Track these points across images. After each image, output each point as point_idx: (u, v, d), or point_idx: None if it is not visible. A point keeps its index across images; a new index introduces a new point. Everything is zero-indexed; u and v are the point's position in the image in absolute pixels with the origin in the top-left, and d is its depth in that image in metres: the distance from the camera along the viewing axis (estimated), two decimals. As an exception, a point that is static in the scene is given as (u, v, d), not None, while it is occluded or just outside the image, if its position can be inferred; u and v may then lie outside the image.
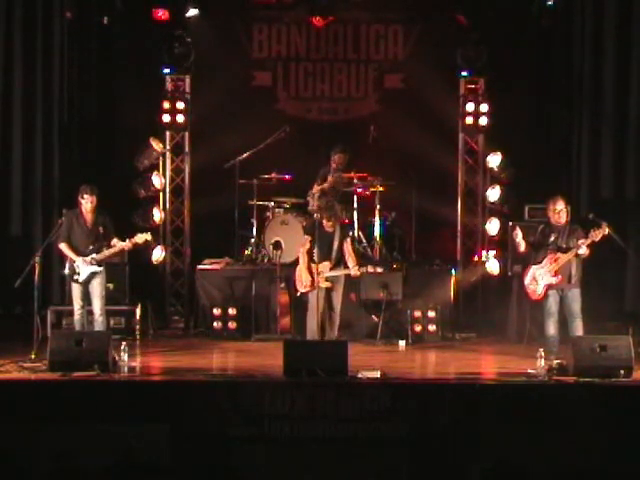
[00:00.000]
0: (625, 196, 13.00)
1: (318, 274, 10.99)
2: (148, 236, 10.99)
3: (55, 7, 13.01)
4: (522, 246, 10.68)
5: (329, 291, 11.13)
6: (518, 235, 10.66)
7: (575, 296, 10.50)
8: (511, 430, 8.89)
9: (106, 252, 10.81)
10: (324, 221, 11.10)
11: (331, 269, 11.09)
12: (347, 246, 11.23)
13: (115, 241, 10.82)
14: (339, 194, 13.01)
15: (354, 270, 11.10)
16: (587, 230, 10.49)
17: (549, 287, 10.51)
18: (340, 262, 11.17)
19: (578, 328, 10.40)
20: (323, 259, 11.09)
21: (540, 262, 10.55)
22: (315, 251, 11.11)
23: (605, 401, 9.06)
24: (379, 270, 11.50)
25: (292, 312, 12.06)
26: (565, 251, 10.45)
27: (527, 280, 10.74)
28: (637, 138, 12.96)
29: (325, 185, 12.96)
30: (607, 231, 10.27)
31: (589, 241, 10.34)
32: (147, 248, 12.19)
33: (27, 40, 12.92)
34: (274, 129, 13.08)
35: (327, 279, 11.07)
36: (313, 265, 11.04)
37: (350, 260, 11.18)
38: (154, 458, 8.77)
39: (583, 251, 10.41)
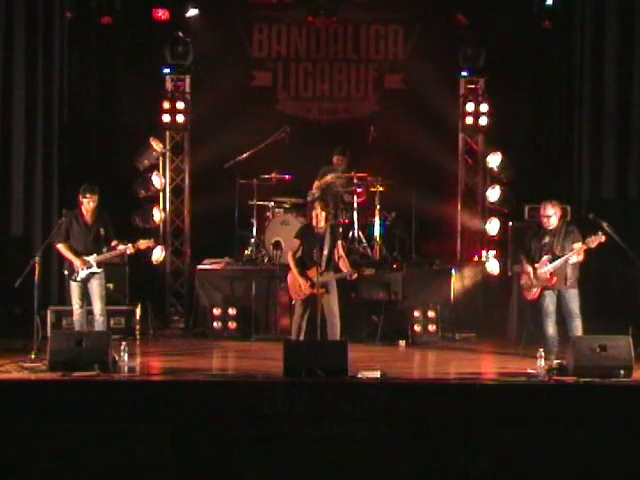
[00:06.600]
0: (627, 196, 13.01)
1: (312, 282, 10.71)
2: (151, 242, 11.05)
3: (55, 7, 13.02)
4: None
5: (323, 296, 10.77)
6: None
7: (572, 296, 10.50)
8: (511, 430, 8.89)
9: (107, 254, 10.79)
10: (315, 222, 10.86)
11: (322, 273, 10.74)
12: (339, 249, 10.97)
13: (116, 243, 10.80)
14: (338, 195, 13.02)
15: (351, 274, 10.86)
16: (584, 232, 10.50)
17: (545, 288, 10.53)
18: (331, 265, 10.91)
19: (577, 328, 10.41)
20: (313, 263, 10.75)
21: (536, 263, 10.56)
22: (305, 255, 10.95)
23: (605, 401, 9.07)
24: (373, 271, 11.43)
25: (292, 312, 12.03)
26: (560, 254, 10.45)
27: (523, 280, 10.76)
28: (638, 138, 12.97)
29: (324, 180, 12.93)
30: (604, 239, 10.25)
31: (584, 247, 10.34)
32: (147, 250, 12.17)
33: (27, 40, 12.92)
34: (274, 129, 13.09)
35: (322, 285, 10.70)
36: (307, 272, 10.82)
37: (342, 263, 10.93)
38: (154, 458, 8.76)
39: (575, 260, 10.40)
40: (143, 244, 10.87)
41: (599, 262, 11.15)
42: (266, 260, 12.85)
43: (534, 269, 10.54)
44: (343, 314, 11.01)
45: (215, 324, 12.35)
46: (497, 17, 13.35)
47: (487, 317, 12.85)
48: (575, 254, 10.36)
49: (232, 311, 12.34)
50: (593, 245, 10.29)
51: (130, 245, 10.79)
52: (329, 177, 12.99)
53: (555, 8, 13.37)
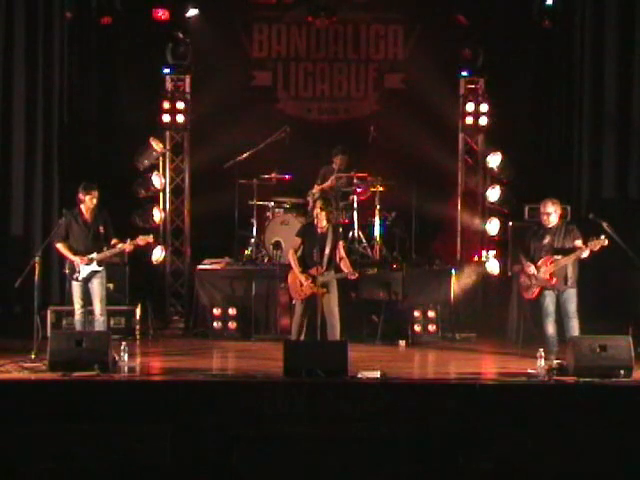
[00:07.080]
0: (627, 196, 13.01)
1: (313, 281, 10.68)
2: (150, 238, 11.00)
3: (55, 7, 13.03)
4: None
5: (324, 296, 10.75)
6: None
7: (570, 296, 10.50)
8: (511, 430, 8.89)
9: (107, 252, 10.79)
10: (317, 221, 10.85)
11: (323, 273, 10.72)
12: (340, 250, 10.96)
13: (115, 241, 10.82)
14: (339, 194, 13.02)
15: (351, 274, 10.83)
16: (584, 232, 10.50)
17: (545, 288, 10.52)
18: (332, 266, 10.89)
19: (574, 328, 10.40)
20: (314, 263, 10.73)
21: (536, 262, 10.56)
22: (305, 254, 10.93)
23: (605, 401, 9.07)
24: (375, 271, 11.44)
25: (292, 312, 12.02)
26: (561, 252, 10.45)
27: (521, 279, 10.76)
28: (638, 138, 12.97)
29: (325, 184, 12.99)
30: (606, 243, 10.24)
31: (588, 250, 10.33)
32: (147, 248, 12.17)
33: (27, 40, 12.94)
34: (274, 129, 13.08)
35: (322, 285, 10.70)
36: (306, 272, 10.79)
37: (343, 264, 10.92)
38: (154, 458, 8.76)
39: (586, 254, 10.40)
40: (142, 240, 10.85)
41: (599, 262, 11.13)
42: (266, 260, 12.85)
43: (536, 268, 10.53)
44: (343, 314, 10.98)
45: (215, 324, 12.35)
46: (497, 17, 13.35)
47: (487, 317, 12.84)
48: (589, 248, 10.32)
49: (232, 311, 12.34)
50: (596, 249, 10.29)
51: (129, 241, 10.79)
52: (329, 182, 12.99)
53: (555, 8, 13.37)
